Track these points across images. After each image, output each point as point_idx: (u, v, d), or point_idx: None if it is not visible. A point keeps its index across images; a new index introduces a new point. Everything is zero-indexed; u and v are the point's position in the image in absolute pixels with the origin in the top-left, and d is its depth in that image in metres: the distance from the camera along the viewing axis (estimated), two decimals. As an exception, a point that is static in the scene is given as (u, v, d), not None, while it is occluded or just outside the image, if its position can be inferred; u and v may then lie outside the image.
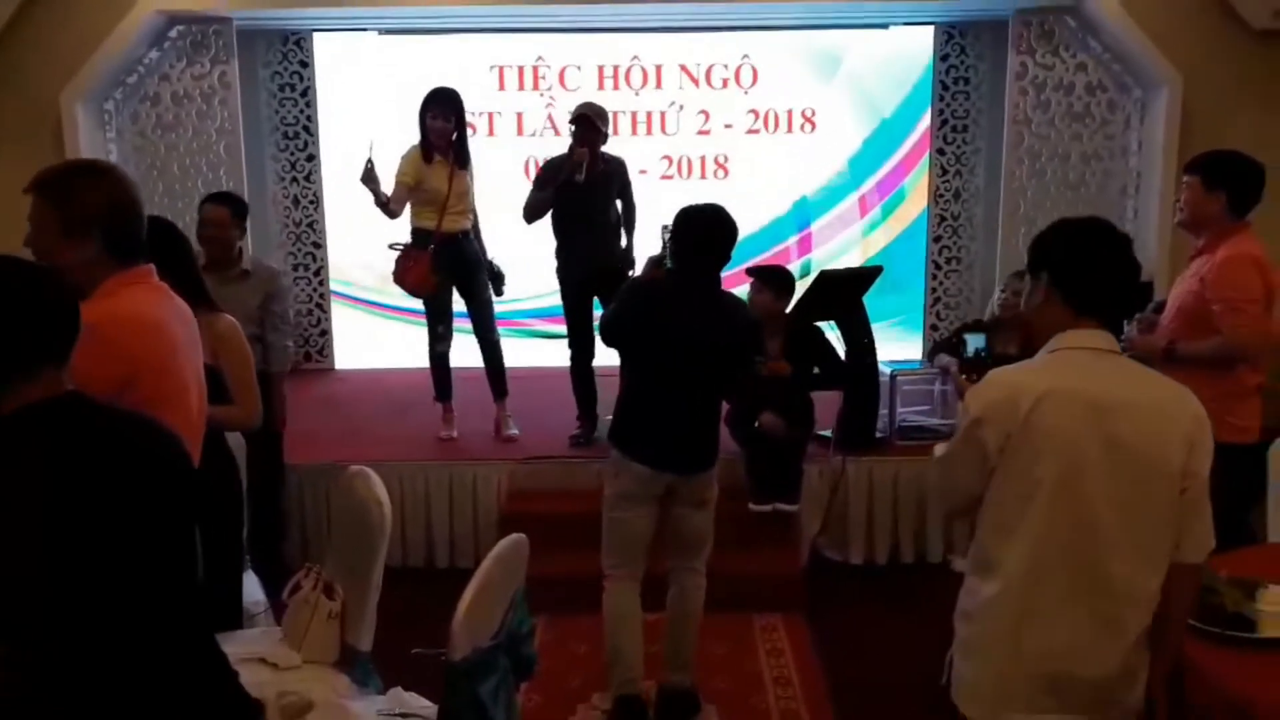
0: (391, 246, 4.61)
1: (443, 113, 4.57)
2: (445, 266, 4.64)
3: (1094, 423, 1.84)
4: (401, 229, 4.72)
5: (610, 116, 4.71)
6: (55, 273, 1.69)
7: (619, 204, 4.78)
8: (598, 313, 4.79)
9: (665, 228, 3.26)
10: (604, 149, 4.66)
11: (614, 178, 4.71)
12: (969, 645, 2.00)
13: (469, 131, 4.80)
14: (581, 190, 4.53)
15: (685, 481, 3.19)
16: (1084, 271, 1.93)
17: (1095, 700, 1.92)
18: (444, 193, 4.57)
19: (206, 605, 1.81)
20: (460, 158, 4.64)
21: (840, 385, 4.58)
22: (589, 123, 4.53)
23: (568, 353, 4.88)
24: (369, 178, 4.43)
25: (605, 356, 4.85)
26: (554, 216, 4.69)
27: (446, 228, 4.61)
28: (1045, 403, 1.85)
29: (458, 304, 4.86)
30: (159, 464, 1.65)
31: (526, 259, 5.88)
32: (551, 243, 4.78)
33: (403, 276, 4.61)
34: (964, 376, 2.48)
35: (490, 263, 4.88)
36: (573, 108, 4.69)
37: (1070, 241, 1.97)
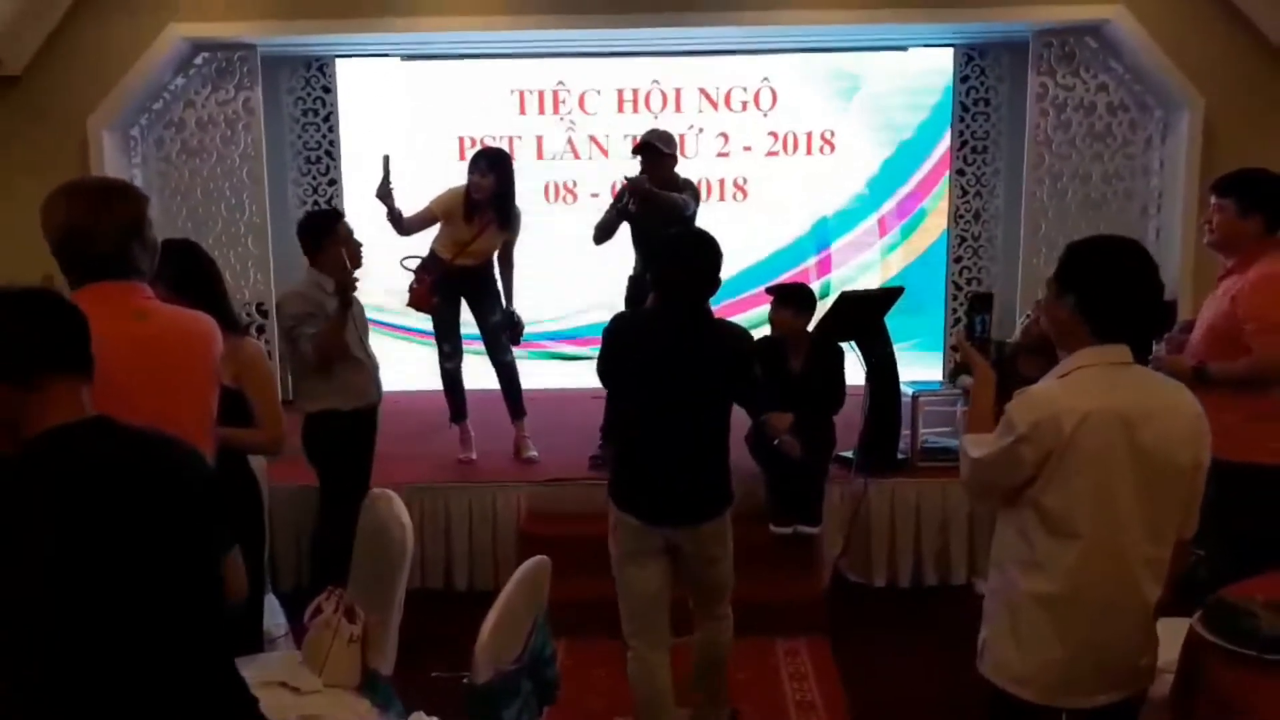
0: (404, 263, 4.64)
1: (480, 168, 4.59)
2: (453, 287, 4.66)
3: (1124, 436, 1.97)
4: (414, 245, 4.74)
5: (675, 140, 4.64)
6: (62, 299, 1.68)
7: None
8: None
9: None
10: (684, 175, 4.64)
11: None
12: (1024, 636, 2.09)
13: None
14: (652, 214, 4.52)
15: (687, 535, 2.91)
16: (1111, 303, 2.02)
17: (1130, 675, 2.10)
18: (464, 243, 4.62)
19: (227, 631, 1.79)
20: (502, 217, 4.66)
21: (833, 411, 4.51)
22: (652, 149, 4.52)
23: (591, 373, 4.85)
24: (384, 192, 4.46)
25: None
26: (632, 238, 4.68)
27: (459, 264, 4.65)
28: (1087, 424, 1.96)
29: (470, 326, 4.88)
30: (176, 489, 1.64)
31: (548, 282, 5.91)
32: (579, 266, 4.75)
33: (410, 292, 4.65)
34: (968, 343, 2.47)
35: (512, 312, 4.88)
36: (632, 146, 4.65)
37: (1101, 271, 2.03)
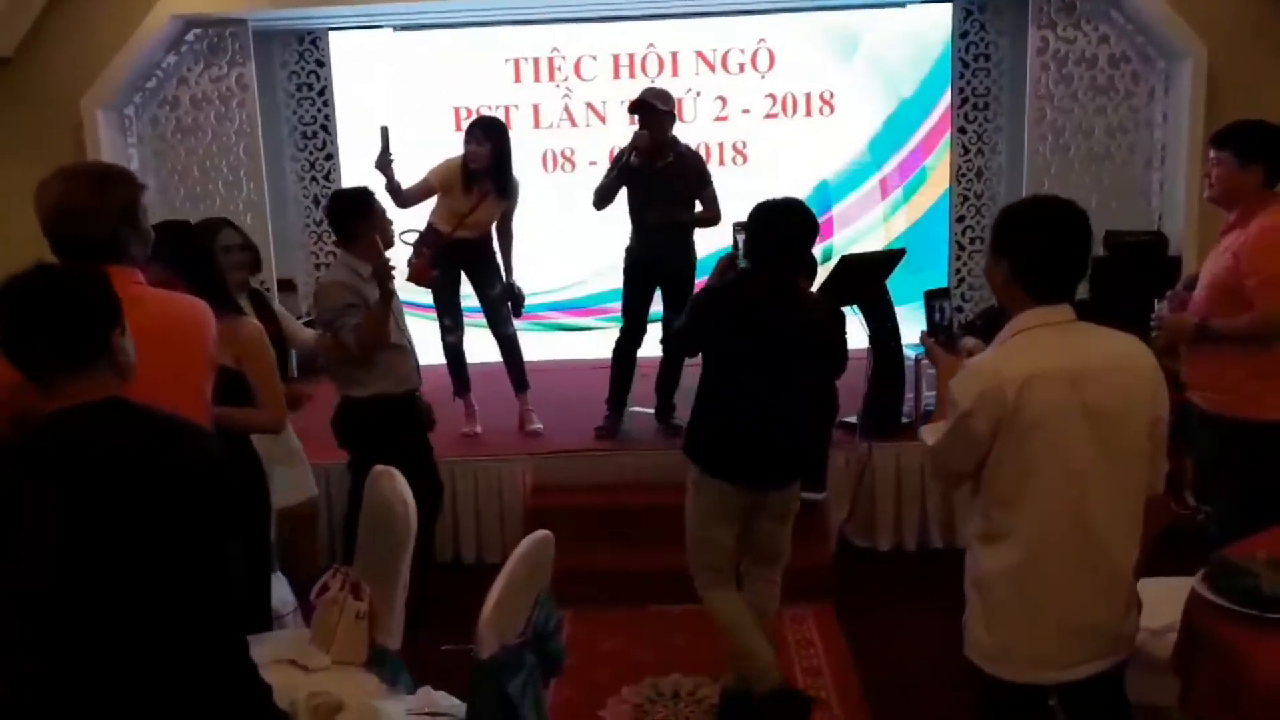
0: (403, 236, 4.62)
1: (475, 137, 4.55)
2: (452, 261, 4.64)
3: (1072, 395, 1.97)
4: (411, 218, 4.72)
5: (673, 98, 4.61)
6: (72, 278, 1.69)
7: (699, 204, 4.68)
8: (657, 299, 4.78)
9: (738, 224, 3.09)
10: (683, 140, 4.64)
11: (688, 171, 4.61)
12: (991, 613, 2.09)
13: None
14: (650, 181, 4.50)
15: (773, 497, 3.03)
16: (1040, 265, 2.03)
17: (1109, 642, 2.08)
18: (463, 214, 4.59)
19: (238, 615, 1.79)
20: (500, 186, 4.62)
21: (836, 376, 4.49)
22: (648, 106, 4.48)
23: (599, 342, 4.86)
24: (383, 163, 4.43)
25: (650, 349, 4.87)
26: (629, 204, 4.66)
27: (459, 234, 4.62)
28: (1029, 387, 1.96)
29: (471, 299, 4.87)
30: (183, 471, 1.64)
31: (547, 253, 5.88)
32: (582, 236, 4.74)
33: (410, 267, 4.63)
34: (931, 339, 2.48)
35: (512, 284, 4.87)
36: (628, 104, 4.62)
37: (1025, 234, 2.06)
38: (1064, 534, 2.00)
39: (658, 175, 4.53)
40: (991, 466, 2.03)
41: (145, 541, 1.59)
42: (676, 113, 4.64)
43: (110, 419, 1.63)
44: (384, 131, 4.42)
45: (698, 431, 3.07)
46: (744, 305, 2.92)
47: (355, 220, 3.67)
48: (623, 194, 4.63)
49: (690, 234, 4.71)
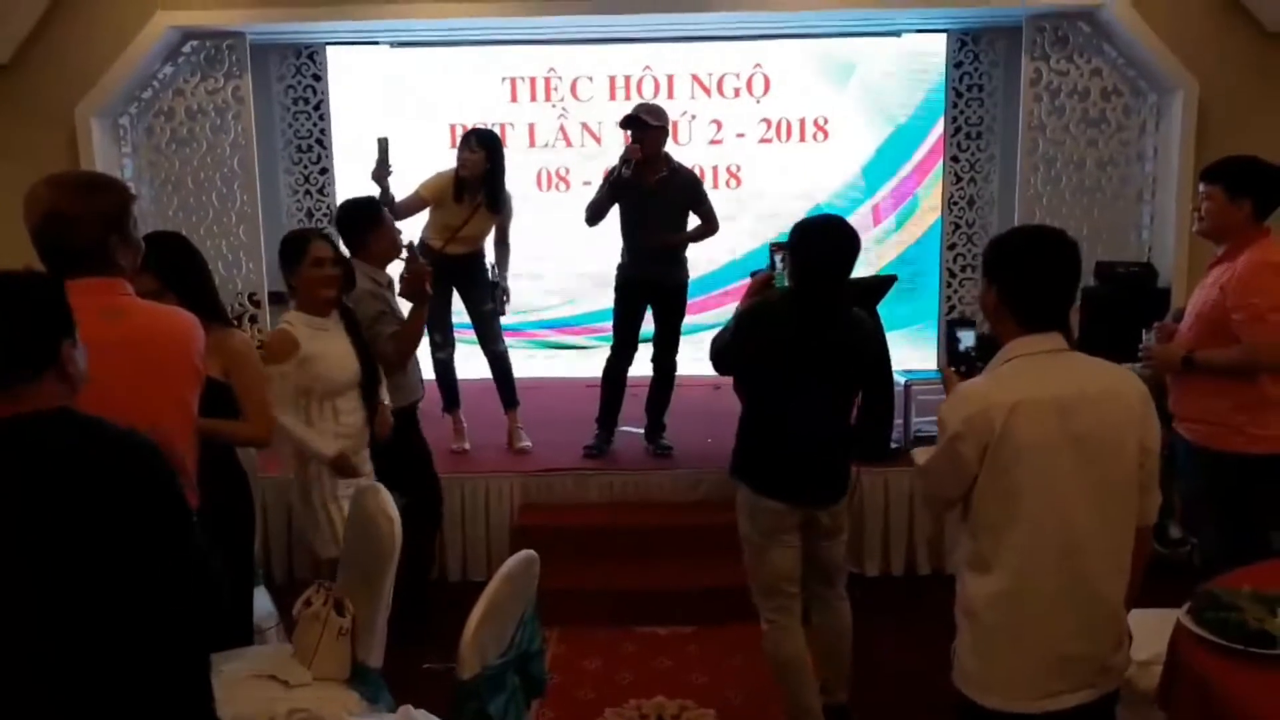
0: None
1: (469, 145, 4.56)
2: (443, 278, 4.64)
3: (1060, 424, 1.97)
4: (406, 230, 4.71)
5: (665, 114, 4.63)
6: (23, 287, 1.66)
7: (693, 219, 4.70)
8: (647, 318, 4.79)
9: (776, 245, 3.10)
10: (676, 159, 4.66)
11: (682, 187, 4.62)
12: (978, 640, 2.09)
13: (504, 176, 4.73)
14: (642, 196, 4.50)
15: (823, 512, 3.04)
16: (1029, 293, 2.05)
17: (1096, 672, 2.07)
18: (455, 228, 4.59)
19: (197, 634, 1.74)
20: (491, 200, 4.62)
21: None
22: (639, 121, 4.50)
23: (590, 361, 4.86)
24: (380, 174, 4.43)
25: (640, 367, 4.87)
26: (621, 220, 4.67)
27: (450, 251, 4.62)
28: (1016, 414, 1.97)
29: (461, 315, 4.87)
30: (128, 483, 1.60)
31: (539, 271, 5.89)
32: (578, 253, 4.74)
33: (402, 281, 4.62)
34: (952, 369, 2.49)
35: (499, 280, 4.87)
36: (620, 119, 4.65)
37: (1014, 262, 2.08)
38: (1049, 563, 2.00)
39: (651, 191, 4.54)
40: (978, 492, 2.04)
41: (87, 554, 1.56)
42: (672, 134, 4.66)
43: (58, 429, 1.60)
44: (383, 143, 4.43)
45: (748, 452, 3.06)
46: (793, 324, 2.92)
47: (365, 230, 3.69)
48: (615, 212, 4.64)
49: (682, 252, 4.73)
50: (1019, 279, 2.06)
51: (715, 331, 3.18)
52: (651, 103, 4.71)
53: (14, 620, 1.55)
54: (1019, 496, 1.99)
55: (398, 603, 2.70)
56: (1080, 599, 2.02)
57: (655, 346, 4.78)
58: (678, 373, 4.93)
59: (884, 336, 3.13)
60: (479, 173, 4.55)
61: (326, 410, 3.25)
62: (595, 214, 4.64)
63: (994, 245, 2.15)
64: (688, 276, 4.76)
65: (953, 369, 2.51)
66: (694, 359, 6.10)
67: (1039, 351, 2.04)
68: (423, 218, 4.79)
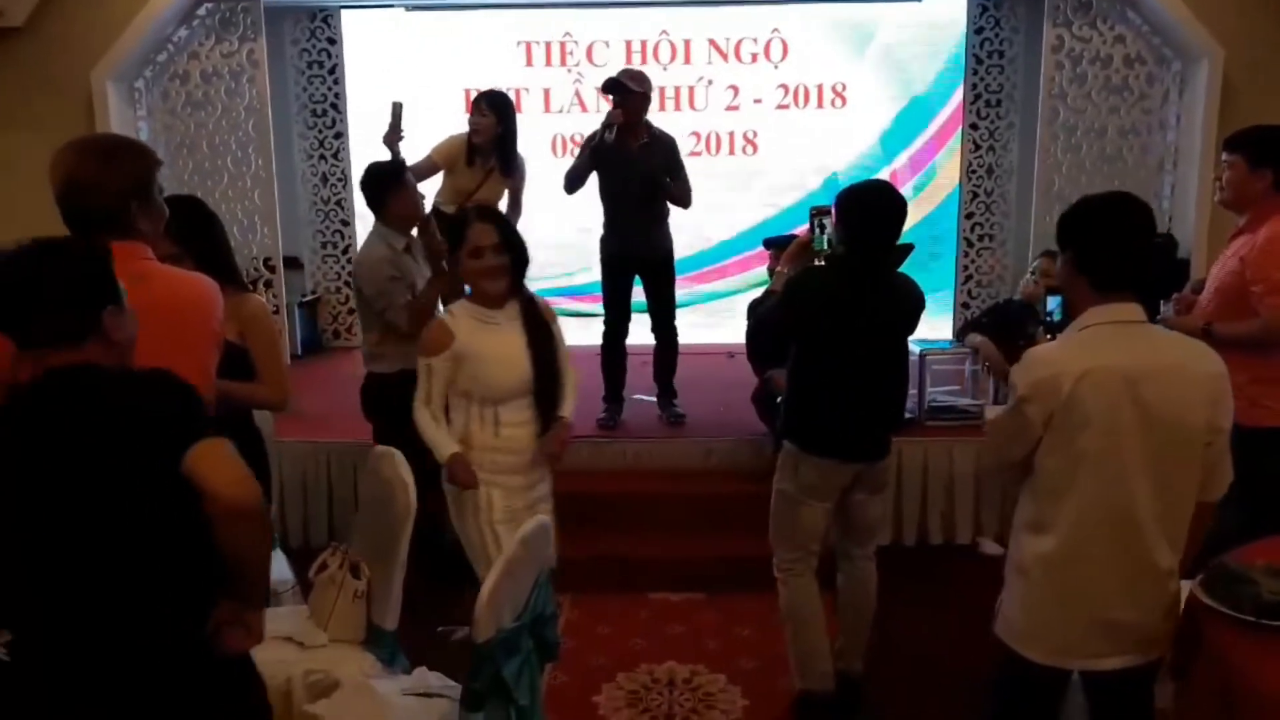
0: None
1: (480, 108, 4.52)
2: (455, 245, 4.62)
3: (1127, 394, 1.99)
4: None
5: (648, 80, 4.58)
6: (68, 255, 1.69)
7: (670, 183, 4.64)
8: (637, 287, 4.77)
9: (816, 209, 3.14)
10: (655, 124, 4.60)
11: (660, 152, 4.58)
12: (1026, 596, 2.15)
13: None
14: (624, 163, 4.47)
15: (870, 468, 3.09)
16: (1105, 254, 2.06)
17: (1141, 639, 2.11)
18: (468, 192, 4.57)
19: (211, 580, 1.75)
20: (504, 164, 4.60)
21: None
22: (621, 86, 4.46)
23: (599, 330, 4.85)
24: (392, 138, 4.42)
25: (638, 336, 4.86)
26: (600, 191, 4.64)
27: None
28: (1085, 381, 1.99)
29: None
30: (136, 418, 1.61)
31: (554, 238, 5.87)
32: (586, 220, 4.73)
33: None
34: (977, 337, 2.55)
35: None
36: (601, 82, 4.61)
37: (1091, 224, 2.09)
38: (1104, 530, 2.04)
39: (631, 157, 4.50)
40: (1041, 456, 2.07)
41: (105, 500, 1.59)
42: (651, 94, 4.60)
43: (74, 380, 1.63)
44: (396, 107, 4.41)
45: (801, 412, 3.08)
46: (846, 288, 2.94)
47: (388, 193, 3.68)
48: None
49: (664, 221, 4.68)
50: (1096, 245, 2.07)
51: (748, 297, 3.17)
52: (635, 69, 4.66)
53: (59, 561, 1.59)
54: (1080, 464, 2.02)
55: (412, 566, 2.72)
56: (1131, 567, 2.06)
57: (652, 318, 4.76)
58: (693, 341, 4.92)
59: (923, 303, 3.15)
60: (491, 136, 4.52)
61: (487, 418, 2.91)
62: (574, 181, 4.61)
63: (1070, 213, 2.15)
64: (672, 245, 4.72)
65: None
66: (708, 325, 6.13)
67: (1114, 321, 2.05)
68: (433, 184, 4.77)
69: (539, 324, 2.98)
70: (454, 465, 2.85)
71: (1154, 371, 2.00)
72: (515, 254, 2.93)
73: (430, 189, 4.73)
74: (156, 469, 1.60)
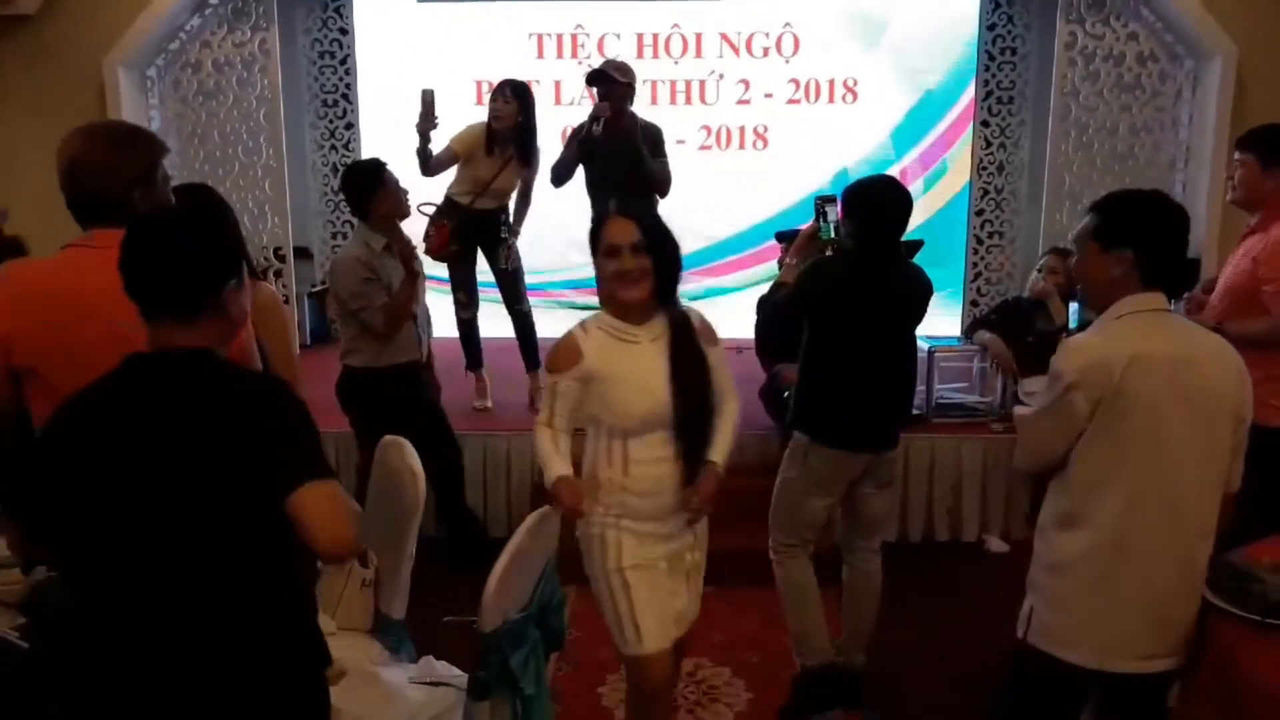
0: (421, 208, 4.61)
1: (503, 95, 4.53)
2: (467, 236, 4.63)
3: (1172, 379, 1.99)
4: (433, 187, 4.71)
5: (632, 70, 4.58)
6: (191, 231, 1.69)
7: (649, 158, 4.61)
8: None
9: (821, 198, 3.20)
10: (641, 115, 4.59)
11: (647, 142, 4.57)
12: (1064, 596, 2.10)
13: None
14: (609, 154, 4.47)
15: (879, 459, 3.11)
16: (1170, 251, 2.09)
17: (1183, 639, 2.08)
18: (484, 181, 4.57)
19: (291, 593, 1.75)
20: (523, 153, 4.59)
21: None
22: (607, 78, 4.45)
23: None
24: (425, 126, 4.41)
25: None
26: (587, 183, 4.64)
27: (478, 207, 4.61)
28: (1134, 367, 1.98)
29: (486, 274, 4.87)
30: (237, 423, 1.59)
31: (558, 229, 5.87)
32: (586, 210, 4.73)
33: (427, 240, 4.62)
34: (988, 335, 2.56)
35: (505, 236, 4.77)
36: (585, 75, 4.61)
37: (1157, 221, 2.09)
38: (1153, 521, 2.01)
39: (618, 148, 4.48)
40: (1082, 447, 2.04)
41: (193, 491, 1.58)
42: (636, 85, 4.60)
43: (183, 367, 1.63)
44: (428, 95, 4.42)
45: (811, 403, 3.11)
46: (857, 280, 2.99)
47: (368, 193, 3.67)
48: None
49: (653, 210, 4.66)
50: (1164, 242, 2.08)
51: (757, 292, 3.20)
52: (620, 60, 4.66)
53: (156, 546, 1.59)
54: (1127, 452, 2.00)
55: (420, 555, 2.73)
56: (1179, 560, 2.04)
57: None
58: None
59: (930, 294, 3.20)
60: (511, 124, 4.52)
61: (616, 451, 2.45)
62: (562, 174, 4.62)
63: (1125, 206, 2.13)
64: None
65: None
66: (716, 321, 6.10)
67: (1149, 309, 2.06)
68: (444, 178, 4.76)
69: (688, 345, 2.47)
70: (558, 487, 2.44)
71: (1195, 358, 2.02)
72: (661, 257, 2.42)
73: (423, 186, 4.73)
74: (260, 504, 1.58)
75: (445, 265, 4.78)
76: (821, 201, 3.20)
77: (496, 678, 2.16)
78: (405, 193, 3.81)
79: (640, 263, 2.39)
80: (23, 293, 2.03)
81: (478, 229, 4.67)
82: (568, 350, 2.45)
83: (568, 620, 2.55)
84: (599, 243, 2.47)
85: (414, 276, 3.61)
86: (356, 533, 1.64)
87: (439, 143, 4.61)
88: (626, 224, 2.43)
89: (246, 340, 2.19)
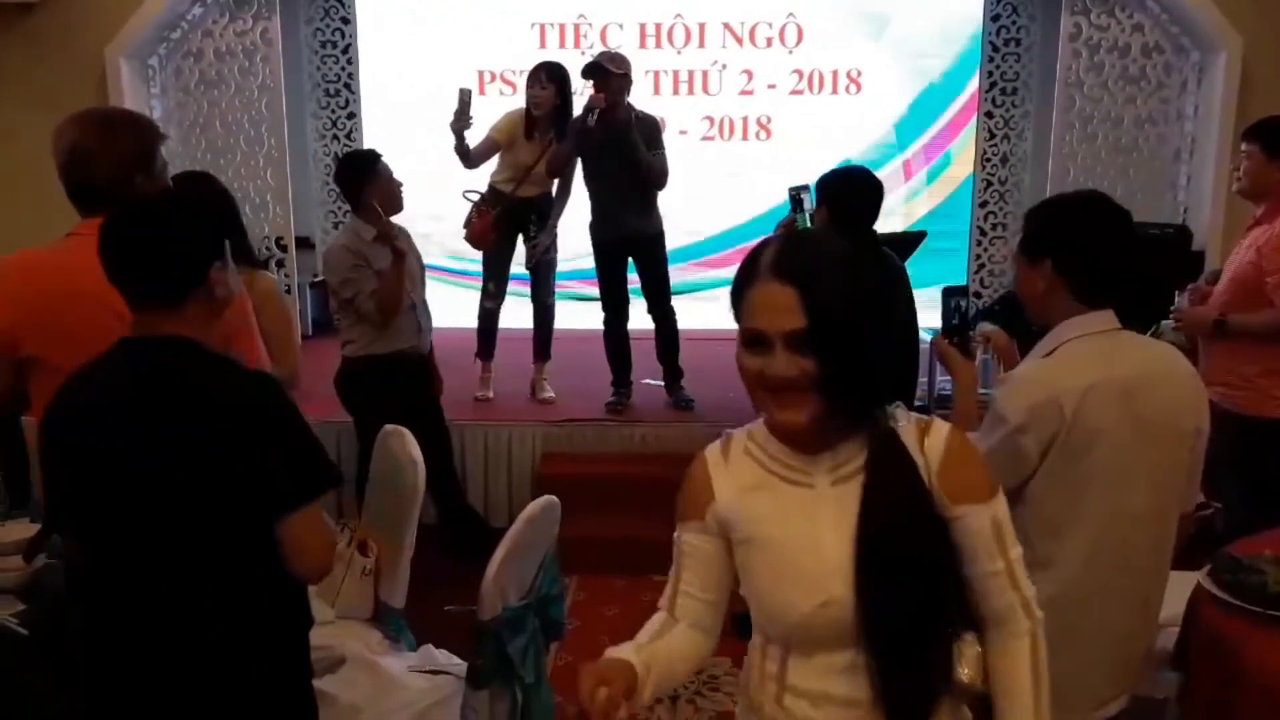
0: (465, 195, 4.60)
1: (539, 80, 4.51)
2: (510, 225, 4.62)
3: (1123, 407, 1.80)
4: (475, 179, 4.71)
5: (627, 61, 4.55)
6: (172, 214, 1.68)
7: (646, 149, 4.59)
8: (631, 274, 4.76)
9: (795, 190, 3.25)
10: (638, 106, 4.58)
11: (644, 133, 4.55)
12: None
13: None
14: (605, 146, 4.46)
15: None
16: (1097, 261, 1.84)
17: (1140, 674, 1.99)
18: (527, 166, 4.56)
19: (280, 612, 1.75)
20: (564, 136, 4.57)
21: None
22: (601, 70, 4.43)
23: (601, 316, 4.84)
24: (460, 124, 4.41)
25: (638, 320, 4.85)
26: (585, 176, 4.63)
27: (521, 194, 4.60)
28: (1088, 399, 1.78)
29: (517, 266, 4.85)
30: (223, 412, 1.58)
31: (568, 220, 5.86)
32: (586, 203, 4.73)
33: (468, 227, 4.60)
34: (945, 339, 2.33)
35: (534, 227, 4.75)
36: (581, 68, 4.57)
37: (1078, 226, 1.87)
38: (1113, 561, 1.84)
39: (613, 141, 4.46)
40: (1038, 488, 1.83)
41: (216, 475, 1.57)
42: (631, 76, 4.55)
43: (163, 355, 1.62)
44: (465, 94, 4.43)
45: None
46: None
47: (358, 183, 3.67)
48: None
49: (652, 202, 4.65)
50: (1081, 246, 1.85)
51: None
52: (615, 51, 4.65)
53: (148, 535, 1.59)
54: (1085, 490, 1.81)
55: (420, 544, 2.73)
56: (1134, 599, 1.90)
57: (647, 299, 4.75)
58: (705, 326, 4.91)
59: (910, 286, 3.26)
60: (550, 109, 4.51)
61: (772, 662, 1.47)
62: (558, 166, 4.60)
63: (1044, 213, 1.95)
64: (661, 225, 4.70)
65: (945, 340, 2.33)
66: (719, 311, 6.09)
67: (1095, 332, 1.85)
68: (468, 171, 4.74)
69: (897, 492, 1.36)
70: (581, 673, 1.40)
71: (1146, 379, 1.83)
72: (842, 350, 1.31)
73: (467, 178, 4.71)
74: (246, 513, 1.60)
75: (480, 254, 4.76)
76: (795, 191, 3.26)
77: (494, 666, 2.16)
78: (399, 185, 3.80)
79: (802, 365, 1.32)
80: (28, 282, 2.02)
81: (522, 215, 4.65)
82: (692, 485, 1.53)
83: (568, 610, 2.54)
84: (738, 313, 1.44)
85: (400, 257, 3.59)
86: (332, 559, 1.71)
87: (438, 137, 4.59)
88: (783, 293, 1.32)
89: (243, 320, 2.18)
